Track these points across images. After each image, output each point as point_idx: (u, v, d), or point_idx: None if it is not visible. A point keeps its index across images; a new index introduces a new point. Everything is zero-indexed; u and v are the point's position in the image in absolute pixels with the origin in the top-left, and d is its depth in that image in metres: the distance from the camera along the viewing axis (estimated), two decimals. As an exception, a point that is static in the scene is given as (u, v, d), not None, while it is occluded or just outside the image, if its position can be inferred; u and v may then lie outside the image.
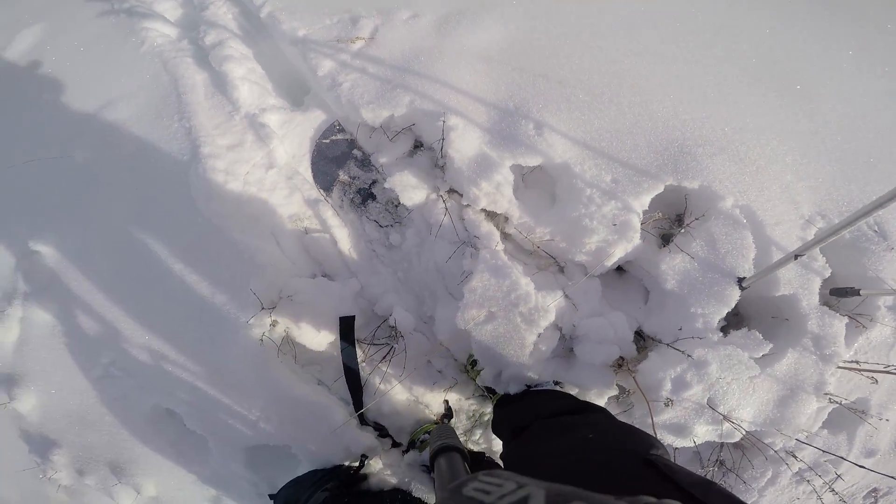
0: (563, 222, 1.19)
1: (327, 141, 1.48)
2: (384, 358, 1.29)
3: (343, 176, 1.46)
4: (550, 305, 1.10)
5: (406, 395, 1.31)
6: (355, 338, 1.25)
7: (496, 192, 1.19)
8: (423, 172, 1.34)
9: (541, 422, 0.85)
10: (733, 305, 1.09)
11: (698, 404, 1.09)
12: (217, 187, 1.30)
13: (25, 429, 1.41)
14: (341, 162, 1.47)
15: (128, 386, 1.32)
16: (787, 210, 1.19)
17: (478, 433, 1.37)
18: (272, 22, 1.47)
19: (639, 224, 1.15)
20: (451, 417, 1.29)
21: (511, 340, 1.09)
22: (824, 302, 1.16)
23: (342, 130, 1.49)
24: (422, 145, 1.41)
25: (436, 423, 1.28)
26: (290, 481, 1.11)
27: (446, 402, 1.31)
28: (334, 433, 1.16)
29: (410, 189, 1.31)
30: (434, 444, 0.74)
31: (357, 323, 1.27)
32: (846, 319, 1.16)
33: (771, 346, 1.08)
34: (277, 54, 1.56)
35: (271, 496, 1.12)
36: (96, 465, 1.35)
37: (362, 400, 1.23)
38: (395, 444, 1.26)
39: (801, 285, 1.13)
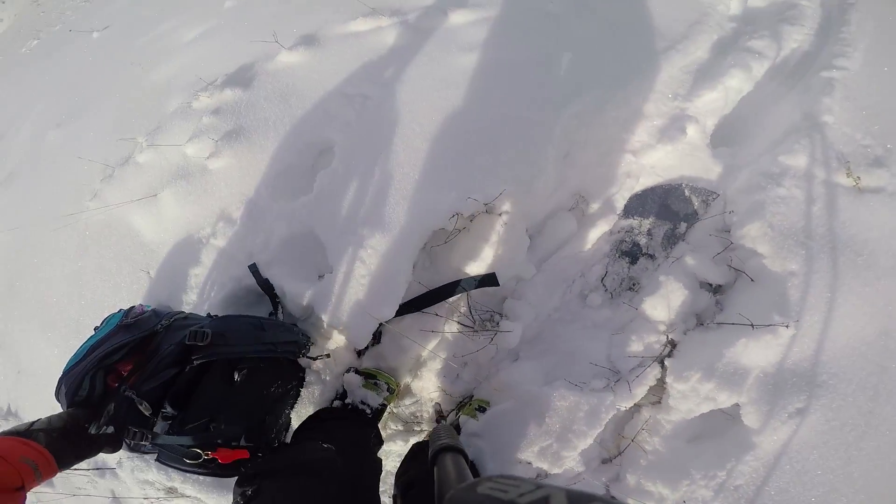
0: (678, 467, 1.02)
1: (685, 192, 1.28)
2: (460, 324, 1.22)
3: (646, 221, 1.26)
4: (567, 467, 1.05)
5: (422, 354, 1.25)
6: (467, 292, 1.19)
7: (708, 394, 1.02)
8: (684, 307, 1.14)
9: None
10: None
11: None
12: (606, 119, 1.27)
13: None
14: (662, 213, 1.27)
15: (349, 115, 1.33)
16: None
17: (396, 427, 1.31)
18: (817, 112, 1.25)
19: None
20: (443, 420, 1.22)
21: (526, 444, 1.05)
22: None
23: (704, 203, 1.25)
24: (716, 290, 1.18)
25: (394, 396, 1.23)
26: (253, 318, 1.00)
27: (438, 405, 1.24)
28: (365, 314, 1.09)
29: (663, 304, 1.12)
30: (437, 442, 0.69)
31: (490, 288, 1.17)
32: None
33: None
34: (768, 108, 1.36)
35: (251, 267, 1.17)
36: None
37: (408, 312, 1.18)
38: (358, 355, 1.23)
39: None
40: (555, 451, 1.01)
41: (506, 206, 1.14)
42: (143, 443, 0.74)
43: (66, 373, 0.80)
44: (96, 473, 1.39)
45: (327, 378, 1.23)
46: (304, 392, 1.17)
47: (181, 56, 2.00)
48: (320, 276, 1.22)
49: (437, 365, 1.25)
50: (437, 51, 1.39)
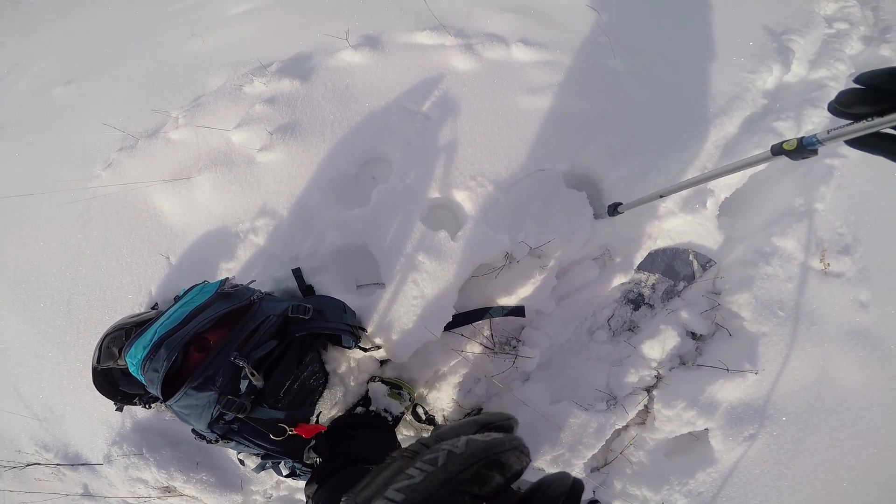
0: (659, 475, 1.21)
1: (689, 256, 1.45)
2: (481, 345, 1.35)
3: (653, 277, 1.46)
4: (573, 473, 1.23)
5: (442, 369, 1.33)
6: (493, 318, 1.30)
7: (689, 420, 1.24)
8: (673, 350, 1.33)
9: None
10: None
11: None
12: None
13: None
14: (667, 272, 1.45)
15: (410, 132, 1.36)
16: None
17: (407, 433, 1.39)
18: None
19: None
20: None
21: (540, 453, 1.21)
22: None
23: (702, 268, 1.45)
24: (698, 338, 1.38)
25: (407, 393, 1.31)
26: (339, 301, 1.11)
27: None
28: (411, 331, 1.18)
29: (657, 345, 1.32)
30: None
31: (517, 317, 1.31)
32: None
33: None
34: (772, 185, 1.50)
35: (295, 271, 1.19)
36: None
37: (447, 327, 1.25)
38: (383, 363, 1.30)
39: None
40: (566, 458, 1.21)
41: (545, 252, 1.24)
42: (234, 414, 0.69)
43: (159, 342, 0.72)
44: (68, 468, 1.30)
45: (351, 383, 1.28)
46: (327, 393, 1.21)
47: (225, 30, 1.88)
48: (358, 286, 1.25)
49: (455, 379, 1.36)
50: (500, 86, 1.45)
